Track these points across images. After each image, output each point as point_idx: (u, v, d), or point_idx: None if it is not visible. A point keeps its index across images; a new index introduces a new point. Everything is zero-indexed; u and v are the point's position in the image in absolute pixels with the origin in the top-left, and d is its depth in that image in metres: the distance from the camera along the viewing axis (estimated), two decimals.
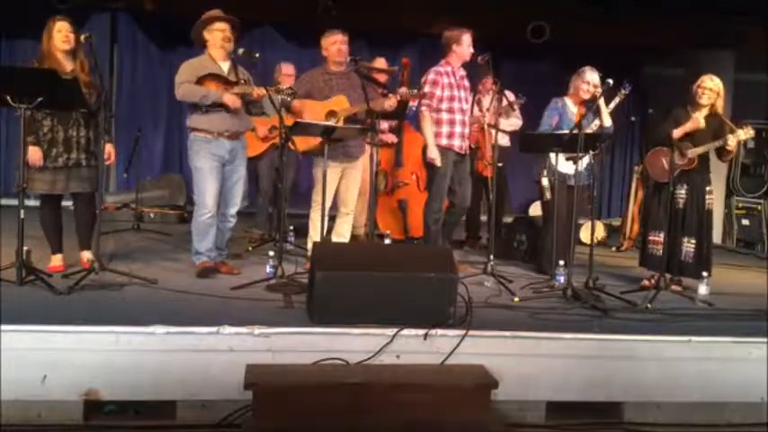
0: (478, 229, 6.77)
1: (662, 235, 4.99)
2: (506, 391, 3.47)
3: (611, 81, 4.73)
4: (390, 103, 5.00)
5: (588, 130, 4.89)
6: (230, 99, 4.60)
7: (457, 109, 5.37)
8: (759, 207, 8.12)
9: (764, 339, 3.80)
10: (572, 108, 5.32)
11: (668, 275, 4.90)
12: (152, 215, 7.43)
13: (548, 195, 5.15)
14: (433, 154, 5.32)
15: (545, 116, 5.33)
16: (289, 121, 4.80)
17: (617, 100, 5.06)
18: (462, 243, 6.64)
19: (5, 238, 4.60)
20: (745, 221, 8.25)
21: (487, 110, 6.03)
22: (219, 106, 4.62)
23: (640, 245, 5.46)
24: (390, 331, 3.51)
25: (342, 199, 5.29)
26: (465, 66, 5.50)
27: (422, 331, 3.55)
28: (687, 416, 3.73)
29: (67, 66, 4.46)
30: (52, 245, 4.65)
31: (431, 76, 5.36)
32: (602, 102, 5.06)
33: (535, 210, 8.02)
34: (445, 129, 5.35)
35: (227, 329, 3.41)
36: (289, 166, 5.74)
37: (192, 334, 3.39)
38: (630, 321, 4.12)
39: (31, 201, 4.56)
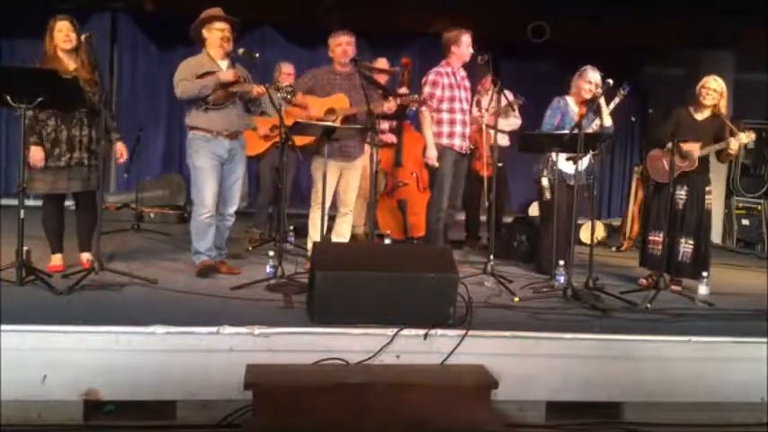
0: (478, 229, 6.77)
1: (661, 235, 5.00)
2: (506, 391, 3.47)
3: (610, 81, 4.75)
4: (389, 105, 5.03)
5: (588, 130, 4.89)
6: (226, 74, 4.58)
7: (457, 109, 5.40)
8: (759, 207, 8.12)
9: (764, 339, 3.80)
10: (573, 107, 5.32)
11: (668, 276, 4.90)
12: (152, 215, 7.43)
13: (547, 195, 5.15)
14: (431, 154, 5.35)
15: (547, 116, 5.33)
16: (289, 120, 4.81)
17: (616, 100, 5.06)
18: (462, 243, 6.64)
19: (5, 238, 4.60)
20: (745, 221, 8.25)
21: (486, 110, 6.03)
22: (220, 100, 4.60)
23: (640, 245, 5.47)
24: (390, 331, 3.51)
25: (341, 198, 5.29)
26: (465, 66, 5.52)
27: (422, 331, 3.55)
28: (687, 416, 3.73)
29: (70, 65, 4.46)
30: (53, 244, 4.65)
31: (431, 76, 5.39)
32: (602, 101, 5.06)
33: (535, 210, 8.02)
34: (446, 128, 5.38)
35: (227, 329, 3.40)
36: (289, 166, 5.74)
37: (192, 334, 3.39)
38: (630, 321, 4.12)
39: (31, 201, 4.56)
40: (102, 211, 4.55)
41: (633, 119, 7.69)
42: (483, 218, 6.74)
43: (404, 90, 5.73)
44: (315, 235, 5.04)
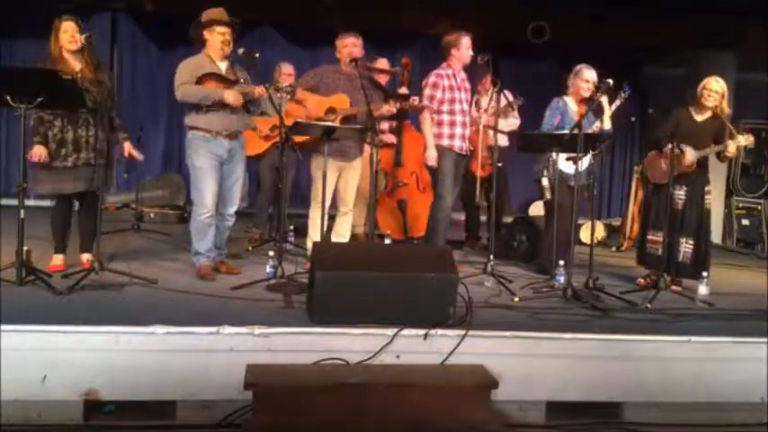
0: (478, 229, 6.77)
1: (661, 234, 5.00)
2: (506, 391, 3.47)
3: (610, 81, 4.74)
4: (389, 108, 5.07)
5: (588, 131, 4.89)
6: (232, 97, 4.59)
7: (457, 111, 5.43)
8: (759, 207, 8.13)
9: (764, 339, 3.80)
10: (573, 107, 5.32)
11: (668, 276, 4.89)
12: (152, 215, 7.43)
13: (548, 195, 5.16)
14: (431, 154, 5.39)
15: (547, 116, 5.33)
16: (289, 120, 4.81)
17: (617, 103, 5.06)
18: (462, 243, 6.64)
19: (5, 238, 4.60)
20: (745, 221, 8.25)
21: (485, 111, 6.03)
22: (221, 106, 4.61)
23: (638, 243, 5.47)
24: (390, 331, 3.51)
25: (340, 198, 5.29)
26: (465, 66, 5.54)
27: (422, 331, 3.55)
28: (687, 416, 3.73)
29: (75, 65, 4.47)
30: (56, 244, 4.66)
31: (431, 78, 5.44)
32: (605, 103, 5.04)
33: (535, 210, 8.03)
34: (446, 130, 5.42)
35: (227, 329, 3.40)
36: (289, 166, 5.74)
37: (192, 334, 3.39)
38: (630, 321, 4.12)
39: (32, 201, 4.57)
40: (102, 211, 4.55)
41: (633, 119, 7.70)
42: (483, 218, 6.75)
43: (404, 90, 5.74)
44: (315, 234, 5.04)
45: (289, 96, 4.96)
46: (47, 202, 5.10)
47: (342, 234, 5.32)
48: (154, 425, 3.34)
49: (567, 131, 4.83)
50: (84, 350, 3.30)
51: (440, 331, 3.57)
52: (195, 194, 4.72)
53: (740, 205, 8.31)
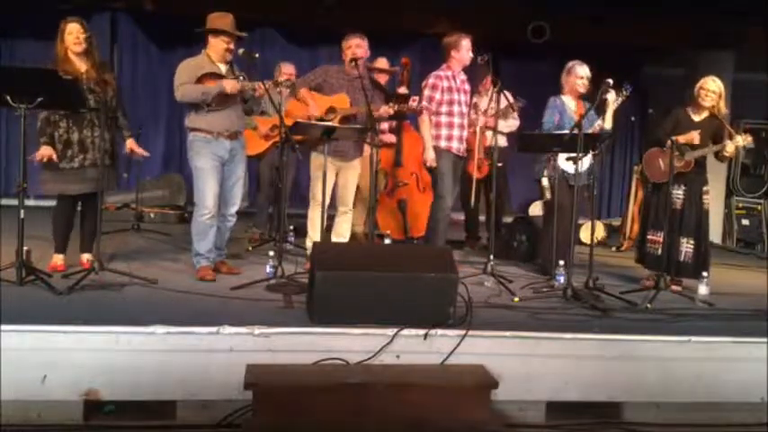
0: (478, 229, 6.77)
1: (661, 234, 5.00)
2: (506, 391, 3.47)
3: (610, 81, 4.74)
4: (386, 110, 5.10)
5: (590, 130, 4.89)
6: (230, 85, 4.58)
7: (456, 112, 5.46)
8: (759, 207, 8.13)
9: (764, 339, 3.80)
10: (570, 105, 5.33)
11: (668, 276, 4.89)
12: (152, 215, 7.43)
13: (548, 195, 5.16)
14: (429, 155, 5.42)
15: (546, 115, 5.33)
16: (289, 120, 4.81)
17: (619, 100, 5.06)
18: (462, 243, 6.64)
19: (5, 238, 4.60)
20: (745, 221, 8.25)
21: (484, 112, 6.03)
22: (222, 105, 4.61)
23: (638, 243, 5.47)
24: (390, 331, 3.51)
25: (340, 197, 5.30)
26: (465, 67, 5.55)
27: (422, 331, 3.55)
28: (687, 416, 3.73)
29: (81, 66, 4.48)
30: (57, 244, 4.66)
31: (431, 80, 5.47)
32: (611, 101, 5.04)
33: (535, 210, 8.02)
34: (444, 131, 5.45)
35: (227, 329, 3.41)
36: (289, 166, 5.75)
37: (192, 334, 3.39)
38: (630, 321, 4.12)
39: (31, 201, 4.57)
40: (102, 211, 4.55)
41: (633, 119, 7.70)
42: (482, 218, 6.75)
43: (403, 90, 5.75)
44: (314, 234, 5.05)
45: (288, 91, 4.95)
46: (47, 202, 5.11)
47: (341, 234, 5.32)
48: (154, 425, 3.34)
49: (567, 131, 4.83)
50: (85, 350, 3.30)
51: (440, 331, 3.57)
52: (196, 195, 4.72)
53: (740, 205, 8.31)
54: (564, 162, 5.11)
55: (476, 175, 5.79)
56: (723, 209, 8.31)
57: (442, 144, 5.44)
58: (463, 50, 5.43)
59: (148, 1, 8.19)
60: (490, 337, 3.62)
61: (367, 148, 5.32)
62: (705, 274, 4.77)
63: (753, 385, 3.77)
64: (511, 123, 6.57)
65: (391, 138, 6.35)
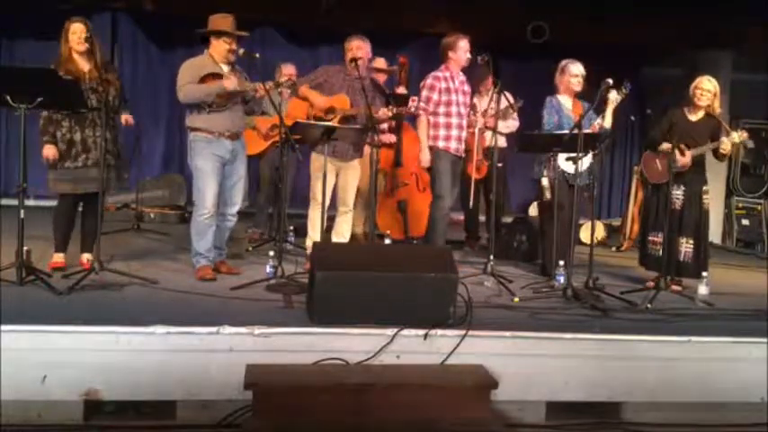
0: (478, 229, 6.77)
1: (660, 235, 5.00)
2: (506, 391, 3.48)
3: (610, 81, 4.74)
4: (384, 112, 5.12)
5: (588, 130, 4.88)
6: (230, 82, 4.59)
7: (454, 113, 5.48)
8: (759, 207, 8.13)
9: (764, 339, 3.80)
10: (567, 104, 5.34)
11: (668, 276, 4.90)
12: (152, 215, 7.43)
13: (548, 195, 5.15)
14: (424, 156, 5.47)
15: (545, 115, 5.32)
16: (289, 120, 4.81)
17: (618, 98, 5.06)
18: (462, 243, 6.64)
19: (5, 239, 4.59)
20: (745, 221, 8.25)
21: (483, 113, 6.03)
22: (222, 106, 4.61)
23: (639, 245, 5.47)
24: (390, 331, 3.51)
25: (340, 197, 5.30)
26: (464, 68, 5.55)
27: (422, 331, 3.55)
28: (687, 416, 3.73)
29: (84, 66, 4.50)
30: (57, 243, 4.67)
31: (428, 81, 5.50)
32: (611, 100, 5.04)
33: (535, 210, 8.02)
34: (442, 132, 5.48)
35: (227, 329, 3.41)
36: (289, 166, 5.75)
37: (192, 334, 3.39)
38: (630, 321, 4.12)
39: (31, 201, 4.57)
40: (103, 211, 4.56)
41: (633, 119, 7.70)
42: (482, 218, 6.75)
43: (402, 90, 5.75)
44: (314, 234, 5.05)
45: (289, 92, 4.96)
46: (47, 202, 5.11)
47: (342, 234, 5.32)
48: (154, 425, 3.34)
49: (566, 131, 4.83)
50: (84, 350, 3.30)
51: (440, 331, 3.57)
52: (196, 195, 4.73)
53: (740, 205, 8.31)
54: (564, 162, 5.11)
55: (474, 175, 5.79)
56: (723, 209, 8.30)
57: (441, 144, 5.46)
58: (460, 51, 5.45)
59: (148, 1, 8.19)
60: (490, 337, 3.63)
61: (367, 148, 5.33)
62: (705, 274, 4.77)
63: (753, 385, 3.77)
64: (510, 124, 6.55)
65: (391, 138, 6.34)
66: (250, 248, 5.84)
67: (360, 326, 3.55)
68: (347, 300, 3.62)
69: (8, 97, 3.99)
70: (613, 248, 7.28)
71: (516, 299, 4.49)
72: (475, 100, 6.25)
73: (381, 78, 5.87)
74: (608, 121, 5.16)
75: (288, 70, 6.38)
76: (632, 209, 7.45)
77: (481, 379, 3.44)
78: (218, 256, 4.89)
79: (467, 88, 5.65)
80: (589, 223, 5.77)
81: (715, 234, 7.93)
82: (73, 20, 4.51)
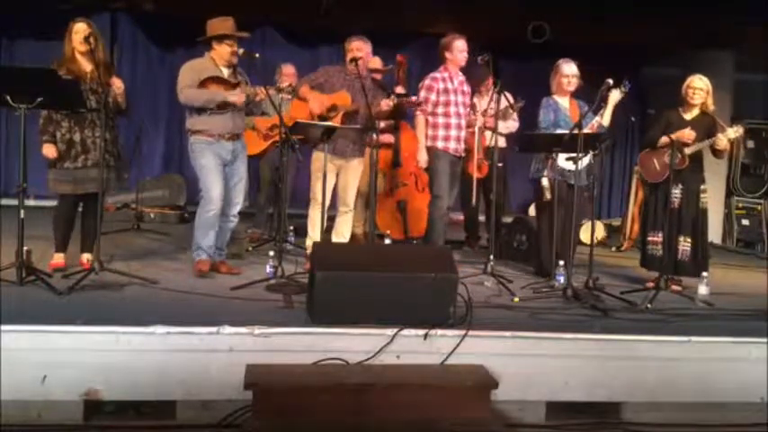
0: (478, 229, 6.77)
1: (660, 235, 5.01)
2: (506, 391, 3.47)
3: (610, 81, 4.75)
4: (387, 102, 5.11)
5: (587, 129, 4.88)
6: (236, 98, 4.61)
7: (452, 113, 5.49)
8: (759, 207, 8.12)
9: (764, 339, 3.80)
10: (564, 104, 5.34)
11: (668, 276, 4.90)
12: (152, 215, 7.43)
13: (548, 195, 5.16)
14: (422, 156, 5.48)
15: (542, 114, 5.33)
16: (289, 120, 4.81)
17: (618, 97, 5.06)
18: (462, 243, 6.64)
19: (5, 239, 4.60)
20: (745, 221, 8.24)
21: (483, 113, 6.03)
22: (223, 107, 4.62)
23: (640, 245, 5.47)
24: (390, 331, 3.51)
25: (340, 197, 5.30)
26: (462, 68, 5.56)
27: (422, 331, 3.55)
28: (687, 416, 3.73)
29: (86, 66, 4.50)
30: (57, 243, 4.67)
31: (426, 81, 5.53)
32: (612, 99, 5.04)
33: (534, 210, 8.02)
34: (441, 132, 5.49)
35: (227, 329, 3.41)
36: (289, 166, 5.75)
37: (192, 334, 3.39)
38: (630, 321, 4.12)
39: (31, 201, 4.57)
40: (103, 211, 4.56)
41: (633, 119, 7.70)
42: (482, 218, 6.75)
43: (400, 89, 5.76)
44: (314, 234, 5.05)
45: (290, 96, 4.98)
46: (47, 202, 5.11)
47: (342, 234, 5.32)
48: (154, 425, 3.33)
49: (565, 131, 4.83)
50: (84, 350, 3.30)
51: (440, 331, 3.57)
52: (203, 191, 4.71)
53: (740, 205, 8.30)
54: (563, 162, 5.11)
55: (476, 174, 5.79)
56: (723, 209, 8.30)
57: (439, 144, 5.47)
58: (456, 51, 5.47)
59: (148, 1, 8.19)
60: (490, 337, 3.63)
61: (366, 149, 5.33)
62: (705, 274, 4.77)
63: (753, 385, 3.77)
64: (510, 125, 6.54)
65: (390, 138, 6.34)
66: (250, 248, 5.84)
67: (360, 326, 3.55)
68: (347, 300, 3.62)
69: (8, 97, 4.00)
70: (613, 248, 7.28)
71: (516, 299, 4.50)
72: (475, 100, 6.25)
73: (378, 78, 5.87)
74: (606, 120, 5.17)
75: (288, 71, 6.38)
76: (632, 209, 7.45)
77: (481, 379, 3.44)
78: (219, 256, 4.89)
79: (466, 88, 5.65)
80: (589, 223, 5.77)
81: (715, 234, 7.93)
82: (77, 20, 4.53)
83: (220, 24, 4.66)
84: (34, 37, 7.81)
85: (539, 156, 5.34)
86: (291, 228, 6.05)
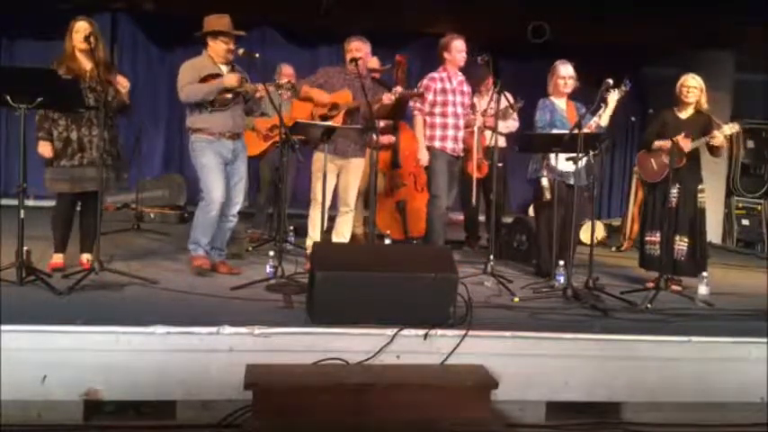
0: (478, 229, 6.77)
1: (658, 235, 5.01)
2: (506, 391, 3.47)
3: (610, 81, 4.75)
4: (388, 96, 5.11)
5: (586, 129, 4.88)
6: (229, 79, 4.61)
7: (450, 113, 5.50)
8: (759, 207, 8.12)
9: (764, 339, 3.80)
10: (561, 105, 5.34)
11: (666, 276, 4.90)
12: (152, 215, 7.43)
13: (547, 195, 5.16)
14: (423, 155, 5.48)
15: (538, 114, 5.33)
16: (289, 121, 4.82)
17: (618, 96, 5.07)
18: (462, 243, 6.64)
19: (5, 239, 4.59)
20: (745, 221, 8.25)
21: (482, 113, 6.03)
22: (223, 103, 4.61)
23: (639, 245, 5.47)
24: (390, 331, 3.51)
25: (341, 197, 5.30)
26: (462, 68, 5.56)
27: (422, 331, 3.55)
28: (687, 416, 3.73)
29: (87, 65, 4.50)
30: (56, 243, 4.66)
31: (424, 81, 5.54)
32: (612, 99, 5.04)
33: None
34: (438, 132, 5.50)
35: (227, 329, 3.40)
36: (289, 166, 5.75)
37: (192, 334, 3.39)
38: (630, 321, 4.12)
39: (31, 201, 4.57)
40: (102, 211, 4.56)
41: (633, 119, 7.70)
42: (482, 218, 6.75)
43: (399, 89, 5.76)
44: (314, 234, 5.05)
45: (290, 94, 4.98)
46: (47, 202, 5.10)
47: (342, 234, 5.32)
48: (154, 425, 3.33)
49: (564, 132, 4.83)
50: (85, 350, 3.30)
51: (440, 331, 3.57)
52: (204, 190, 4.71)
53: (740, 205, 8.30)
54: (562, 162, 5.11)
55: (476, 174, 5.79)
56: (723, 209, 8.30)
57: (437, 144, 5.48)
58: (454, 52, 5.47)
59: (148, 1, 8.19)
60: (490, 337, 3.62)
61: (367, 149, 5.34)
62: (705, 274, 4.77)
63: (753, 385, 3.77)
64: (510, 125, 6.54)
65: (390, 138, 6.35)
66: (250, 248, 5.84)
67: (360, 326, 3.54)
68: (347, 300, 3.62)
69: (8, 97, 3.99)
70: (613, 248, 7.28)
71: (516, 299, 4.50)
72: (475, 100, 6.26)
73: (376, 77, 5.88)
74: (605, 121, 5.17)
75: (287, 71, 6.38)
76: (632, 209, 7.45)
77: (481, 379, 3.44)
78: (219, 256, 4.89)
79: (466, 88, 5.65)
80: (589, 223, 5.77)
81: (715, 234, 7.93)
82: (78, 18, 4.54)
83: (216, 21, 4.66)
84: (34, 37, 7.81)
85: (536, 156, 5.35)
86: (291, 228, 6.05)
